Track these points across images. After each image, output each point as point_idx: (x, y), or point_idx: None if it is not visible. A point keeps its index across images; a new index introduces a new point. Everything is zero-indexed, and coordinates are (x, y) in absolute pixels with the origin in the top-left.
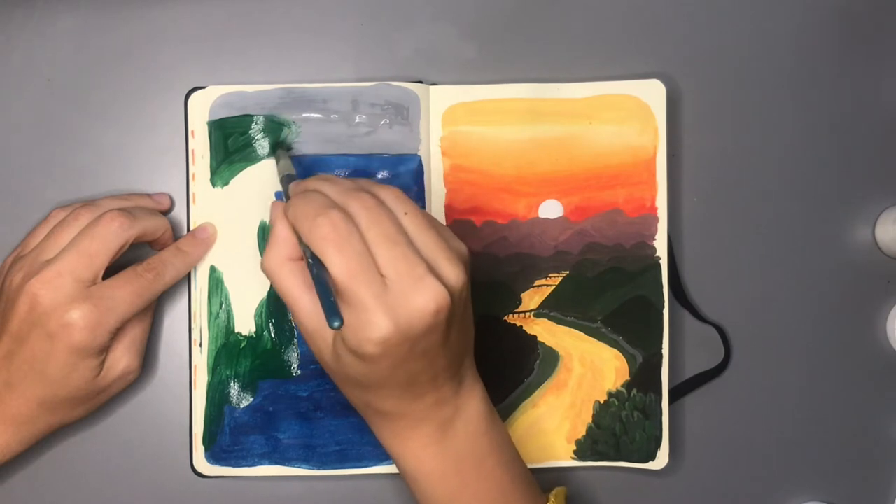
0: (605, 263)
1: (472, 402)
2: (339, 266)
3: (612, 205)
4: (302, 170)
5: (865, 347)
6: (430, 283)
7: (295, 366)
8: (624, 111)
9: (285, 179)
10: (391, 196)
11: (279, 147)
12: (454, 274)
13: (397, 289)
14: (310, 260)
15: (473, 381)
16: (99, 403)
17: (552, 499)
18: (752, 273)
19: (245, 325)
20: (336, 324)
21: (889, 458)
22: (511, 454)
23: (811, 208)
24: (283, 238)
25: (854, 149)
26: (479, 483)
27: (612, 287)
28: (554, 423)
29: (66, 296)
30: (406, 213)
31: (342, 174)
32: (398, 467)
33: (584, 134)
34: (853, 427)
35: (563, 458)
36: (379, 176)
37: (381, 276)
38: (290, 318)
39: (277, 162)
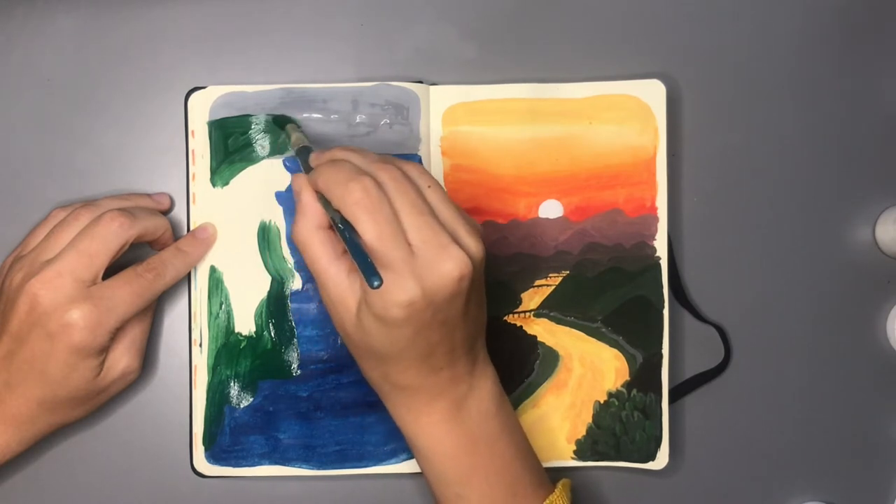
0: (605, 263)
1: (485, 382)
2: (371, 231)
3: (612, 205)
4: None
5: (865, 347)
6: (454, 251)
7: (295, 366)
8: (624, 111)
9: (302, 151)
10: (414, 170)
11: (287, 123)
12: (474, 245)
13: (424, 255)
14: (340, 225)
15: (485, 363)
16: (99, 403)
17: (560, 487)
18: (752, 273)
19: (245, 325)
20: (376, 283)
21: (889, 458)
22: (521, 438)
23: (811, 208)
24: (311, 207)
25: (854, 149)
26: (491, 464)
27: (612, 287)
28: (554, 423)
29: (66, 296)
30: (429, 187)
31: None
32: (411, 446)
33: (584, 134)
34: (853, 427)
35: (564, 458)
36: None
37: (408, 243)
38: (291, 317)
39: (289, 136)
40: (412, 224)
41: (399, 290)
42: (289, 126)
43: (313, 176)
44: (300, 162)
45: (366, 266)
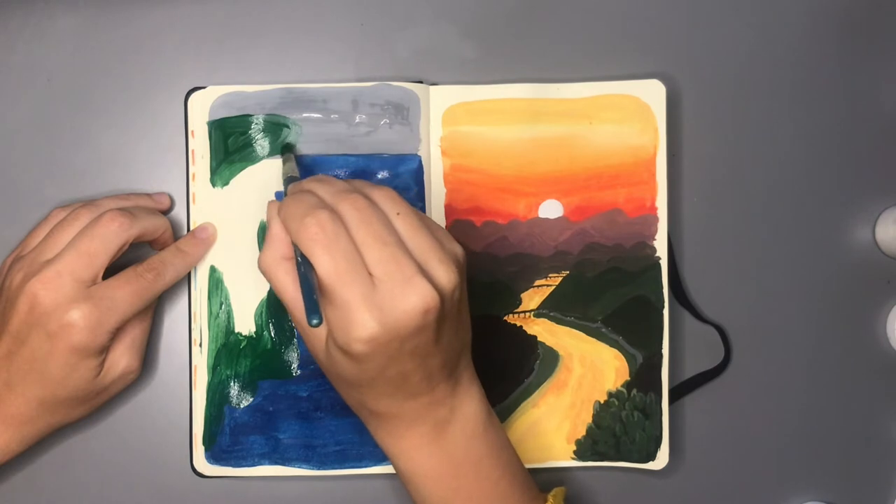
0: (605, 263)
1: (469, 404)
2: (325, 266)
3: (612, 205)
4: (302, 170)
5: (865, 347)
6: (418, 284)
7: (295, 366)
8: (624, 111)
9: (287, 181)
10: (384, 196)
11: (287, 150)
12: (445, 275)
13: (385, 289)
14: (299, 259)
15: (470, 383)
16: (99, 403)
17: (550, 499)
18: (752, 273)
19: (245, 325)
20: (314, 321)
21: (889, 458)
22: (508, 456)
23: (811, 208)
24: (278, 237)
25: (854, 149)
26: (476, 485)
27: (612, 287)
28: (554, 423)
29: (66, 296)
30: (399, 214)
31: (342, 174)
32: (394, 467)
33: (584, 134)
34: (853, 427)
35: (563, 458)
36: (379, 176)
37: (370, 276)
38: (291, 318)
39: (283, 164)
40: (374, 256)
41: (358, 327)
42: (285, 156)
43: (279, 207)
44: (284, 191)
45: (308, 303)
